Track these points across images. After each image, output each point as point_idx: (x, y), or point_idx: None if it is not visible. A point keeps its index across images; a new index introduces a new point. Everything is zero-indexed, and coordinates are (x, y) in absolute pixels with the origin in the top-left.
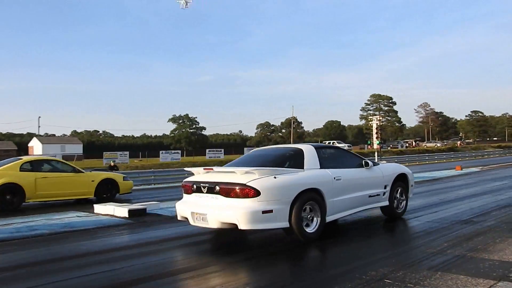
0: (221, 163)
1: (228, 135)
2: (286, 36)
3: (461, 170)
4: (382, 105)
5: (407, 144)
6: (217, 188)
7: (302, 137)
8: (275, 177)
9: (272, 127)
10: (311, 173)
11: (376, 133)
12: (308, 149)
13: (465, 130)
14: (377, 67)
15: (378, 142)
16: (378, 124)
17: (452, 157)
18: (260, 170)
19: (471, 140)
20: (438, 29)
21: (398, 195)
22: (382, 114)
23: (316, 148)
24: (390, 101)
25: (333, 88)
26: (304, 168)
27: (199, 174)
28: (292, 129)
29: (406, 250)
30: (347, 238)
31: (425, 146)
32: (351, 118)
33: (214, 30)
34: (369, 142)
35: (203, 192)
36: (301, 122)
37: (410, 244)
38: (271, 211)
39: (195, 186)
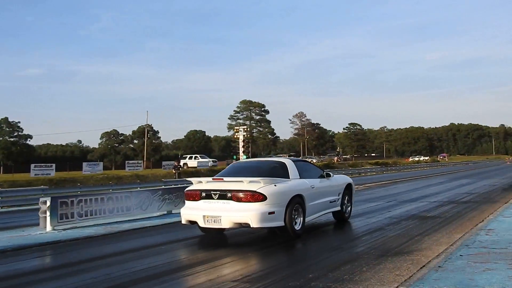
0: (51, 182)
1: (63, 146)
2: (142, 25)
3: None
4: (253, 114)
5: None
6: (229, 194)
7: (158, 149)
8: (275, 185)
9: (121, 137)
10: (296, 182)
11: (243, 146)
12: (289, 162)
13: (342, 144)
14: (250, 69)
15: (245, 156)
16: (246, 135)
17: None
18: (264, 179)
19: (348, 156)
20: (315, 31)
21: (346, 202)
22: (253, 124)
23: (294, 161)
24: (263, 109)
25: (198, 91)
26: (290, 178)
27: (203, 183)
28: (146, 139)
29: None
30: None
31: None
32: (218, 128)
33: (48, 10)
34: (234, 157)
35: (213, 199)
36: (157, 132)
37: (268, 279)
38: (274, 212)
39: (204, 194)
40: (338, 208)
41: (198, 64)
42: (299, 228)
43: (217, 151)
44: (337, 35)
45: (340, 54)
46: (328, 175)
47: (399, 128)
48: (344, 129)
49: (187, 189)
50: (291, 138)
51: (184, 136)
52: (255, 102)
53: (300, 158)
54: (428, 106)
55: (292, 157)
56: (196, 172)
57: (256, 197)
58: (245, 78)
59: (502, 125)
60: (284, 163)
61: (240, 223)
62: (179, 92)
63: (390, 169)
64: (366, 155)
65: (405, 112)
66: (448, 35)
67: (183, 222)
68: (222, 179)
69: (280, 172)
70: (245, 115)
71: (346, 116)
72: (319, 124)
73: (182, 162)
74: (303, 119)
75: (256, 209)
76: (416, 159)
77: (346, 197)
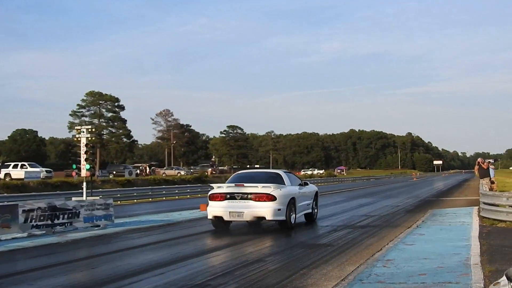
0: None
1: None
2: None
3: (206, 210)
4: (103, 110)
5: (139, 171)
6: (249, 196)
7: None
8: (280, 189)
9: None
10: (290, 187)
11: (87, 151)
12: (282, 173)
13: (219, 152)
14: (100, 51)
15: (88, 167)
16: (92, 138)
17: (200, 191)
18: (272, 185)
19: (226, 168)
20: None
21: (314, 206)
22: (104, 123)
23: (284, 172)
24: (116, 104)
25: (26, 77)
26: (285, 184)
27: (224, 188)
28: None
29: None
30: None
31: (163, 174)
32: (57, 127)
33: None
34: (74, 167)
35: (236, 199)
36: None
37: None
38: (280, 209)
39: (228, 196)
40: (310, 210)
41: (21, 41)
42: (293, 222)
43: (54, 158)
44: (215, 15)
45: (219, 39)
46: (306, 184)
47: (290, 134)
48: (221, 133)
49: (211, 192)
50: (153, 143)
51: (8, 137)
52: (106, 94)
53: (285, 170)
54: (324, 108)
55: (282, 169)
56: (23, 186)
57: (270, 197)
58: (94, 64)
59: (410, 133)
60: (279, 173)
61: (258, 217)
62: None
63: None
64: (248, 166)
65: (297, 115)
66: (348, 23)
67: (209, 217)
68: (243, 184)
69: (278, 180)
70: (92, 112)
71: (224, 117)
72: (190, 126)
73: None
74: (169, 119)
75: (270, 206)
76: (309, 172)
77: (314, 202)
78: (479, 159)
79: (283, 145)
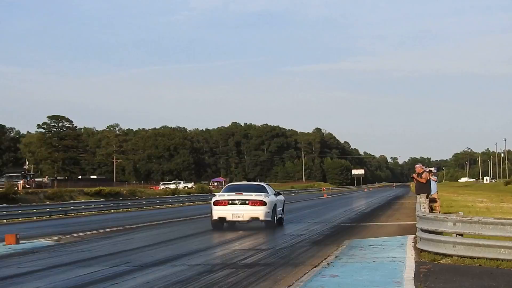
0: None
1: None
2: None
3: (14, 243)
4: None
5: None
6: (247, 201)
7: None
8: (268, 197)
9: None
10: (272, 196)
11: None
12: (264, 184)
13: (36, 155)
14: None
15: None
16: None
17: (6, 215)
18: (263, 193)
19: (46, 179)
20: None
21: (283, 211)
22: None
23: (266, 184)
24: None
25: None
26: (269, 194)
27: (226, 196)
28: None
29: None
30: None
31: None
32: None
33: None
34: None
35: (237, 204)
36: None
37: None
38: (269, 212)
39: (230, 201)
40: (281, 215)
41: None
42: (276, 222)
43: None
44: None
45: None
46: (279, 194)
47: (143, 130)
48: (39, 127)
49: (215, 199)
50: None
51: None
52: None
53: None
54: (194, 92)
55: (263, 182)
56: None
57: (262, 203)
58: None
59: (318, 129)
60: (262, 185)
61: (254, 217)
62: None
63: (125, 205)
64: (80, 177)
65: (152, 101)
66: None
67: (215, 218)
68: (242, 193)
69: (264, 190)
70: None
71: (43, 104)
72: None
73: None
74: None
75: (262, 209)
76: (172, 186)
77: (283, 209)
78: (417, 167)
79: (133, 146)
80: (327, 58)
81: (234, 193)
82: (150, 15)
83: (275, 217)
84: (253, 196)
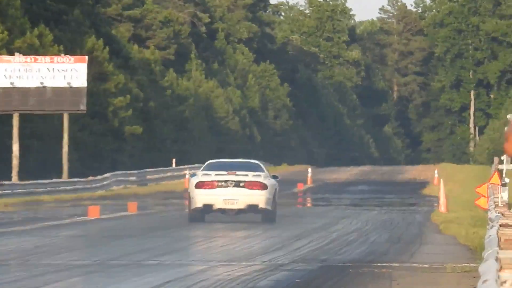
0: None
1: None
2: None
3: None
4: None
5: None
6: (242, 184)
7: None
8: (268, 178)
9: None
10: (272, 179)
11: None
12: (260, 163)
13: None
14: None
15: None
16: None
17: None
18: (263, 173)
19: None
20: None
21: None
22: None
23: (260, 163)
24: None
25: None
26: (265, 172)
27: (214, 175)
28: None
29: None
30: None
31: None
32: None
33: None
34: None
35: (230, 187)
36: None
37: None
38: (270, 198)
39: (220, 183)
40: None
41: None
42: (275, 211)
43: None
44: None
45: None
46: (276, 177)
47: None
48: None
49: (199, 180)
50: None
51: None
52: None
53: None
54: None
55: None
56: None
57: (262, 186)
58: None
59: None
60: (257, 163)
61: (252, 205)
62: None
63: None
64: None
65: None
66: None
67: (198, 205)
68: (235, 172)
69: (259, 169)
70: None
71: None
72: None
73: None
74: None
75: (263, 194)
76: None
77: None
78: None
79: None
80: None
81: (224, 172)
82: None
83: (275, 204)
84: (250, 176)
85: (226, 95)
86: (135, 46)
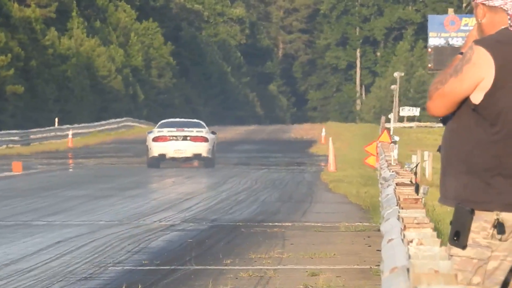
0: None
1: None
2: None
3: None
4: None
5: None
6: (188, 138)
7: None
8: (209, 133)
9: None
10: (211, 134)
11: None
12: (201, 122)
13: None
14: None
15: None
16: None
17: None
18: (204, 129)
19: None
20: None
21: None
22: None
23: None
24: None
25: None
26: (206, 129)
27: (166, 131)
28: None
29: None
30: None
31: None
32: None
33: None
34: None
35: (179, 140)
36: None
37: None
38: (210, 149)
39: (171, 138)
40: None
41: None
42: (215, 159)
43: None
44: None
45: None
46: (214, 133)
47: None
48: None
49: (155, 135)
50: None
51: None
52: None
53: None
54: None
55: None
56: None
57: (204, 139)
58: None
59: None
60: (200, 122)
61: (196, 154)
62: None
63: None
64: None
65: None
66: None
67: (154, 155)
68: (183, 129)
69: (203, 126)
70: None
71: None
72: None
73: None
74: None
75: (205, 145)
76: None
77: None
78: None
79: None
80: None
81: (174, 129)
82: None
83: (214, 154)
84: (195, 132)
85: (109, 53)
86: (16, 4)
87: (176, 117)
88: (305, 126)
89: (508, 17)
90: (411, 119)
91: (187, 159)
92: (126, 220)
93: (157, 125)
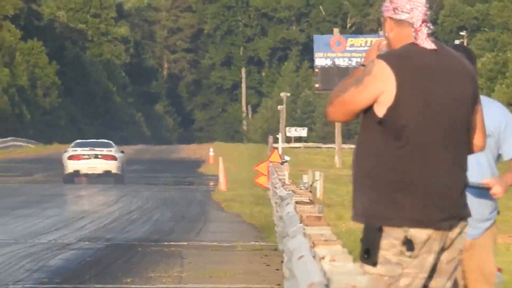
0: None
1: None
2: None
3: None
4: None
5: None
6: (99, 156)
7: None
8: (117, 152)
9: None
10: (120, 153)
11: None
12: (111, 142)
13: None
14: None
15: None
16: None
17: None
18: (113, 148)
19: None
20: None
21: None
22: None
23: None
24: None
25: None
26: (115, 148)
27: (80, 150)
28: None
29: None
30: None
31: None
32: None
33: None
34: None
35: (91, 158)
36: None
37: None
38: (119, 166)
39: (84, 156)
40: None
41: None
42: (124, 175)
43: None
44: None
45: None
46: (122, 152)
47: None
48: None
49: (70, 154)
50: None
51: None
52: None
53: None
54: None
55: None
56: None
57: (113, 157)
58: None
59: None
60: (110, 142)
61: (106, 170)
62: None
63: None
64: None
65: None
66: None
67: (70, 171)
68: (94, 148)
69: (112, 145)
70: None
71: None
72: None
73: None
74: None
75: (115, 163)
76: None
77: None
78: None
79: None
80: None
81: (87, 148)
82: None
83: (124, 171)
84: (105, 151)
85: None
86: None
87: (63, 137)
88: (192, 146)
89: (413, 30)
90: (298, 139)
91: (99, 176)
92: (22, 238)
93: (72, 144)
